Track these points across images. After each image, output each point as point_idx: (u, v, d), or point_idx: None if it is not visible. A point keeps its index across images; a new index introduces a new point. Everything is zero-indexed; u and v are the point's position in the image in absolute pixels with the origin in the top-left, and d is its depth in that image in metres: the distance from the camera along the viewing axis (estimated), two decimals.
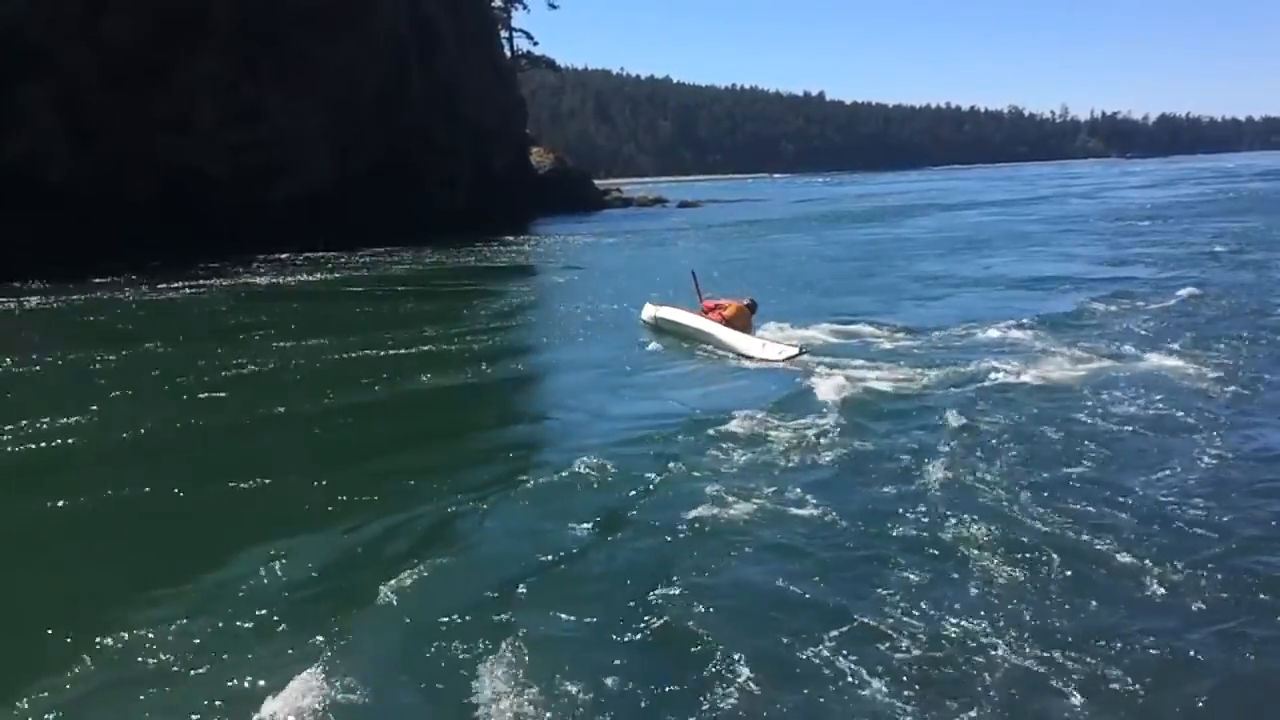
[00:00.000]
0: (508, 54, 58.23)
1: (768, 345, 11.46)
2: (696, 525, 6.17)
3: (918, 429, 8.04)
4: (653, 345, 12.92)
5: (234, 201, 30.79)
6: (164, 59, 29.64)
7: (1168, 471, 6.91)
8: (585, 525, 6.25)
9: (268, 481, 7.37)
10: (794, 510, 6.36)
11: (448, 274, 23.67)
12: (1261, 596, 5.03)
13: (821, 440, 7.80)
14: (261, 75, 32.13)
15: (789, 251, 27.22)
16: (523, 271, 25.33)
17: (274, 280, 22.37)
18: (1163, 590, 5.13)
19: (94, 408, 9.71)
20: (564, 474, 7.24)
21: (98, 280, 21.84)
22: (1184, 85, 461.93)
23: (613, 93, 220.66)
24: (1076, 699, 4.17)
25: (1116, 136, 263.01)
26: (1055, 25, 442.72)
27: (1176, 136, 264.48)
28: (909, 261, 22.63)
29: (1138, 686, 4.27)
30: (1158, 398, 8.76)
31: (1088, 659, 4.48)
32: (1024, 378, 9.58)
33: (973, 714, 4.09)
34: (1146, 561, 5.44)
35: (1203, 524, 5.96)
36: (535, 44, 66.73)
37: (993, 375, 9.65)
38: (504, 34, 58.61)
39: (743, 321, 12.41)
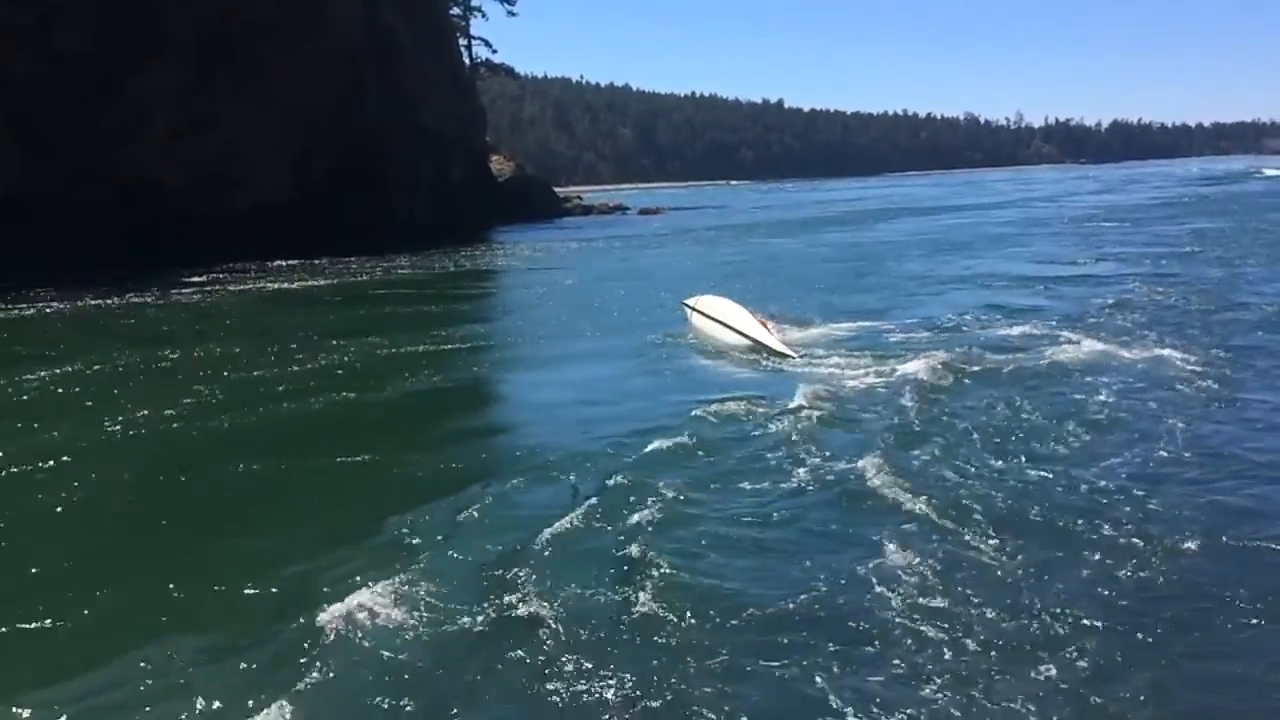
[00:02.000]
0: (467, 62, 58.10)
1: (789, 340, 11.96)
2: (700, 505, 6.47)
3: (925, 418, 8.34)
4: (657, 341, 13.23)
5: (188, 213, 30.43)
6: (116, 70, 29.26)
7: (1150, 454, 7.19)
8: (597, 511, 6.40)
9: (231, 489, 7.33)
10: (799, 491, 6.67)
11: (408, 283, 23.56)
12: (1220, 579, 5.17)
13: (833, 427, 8.20)
14: (216, 86, 31.82)
15: (781, 254, 27.74)
16: (485, 279, 25.27)
17: (227, 291, 22.10)
18: (1129, 571, 5.28)
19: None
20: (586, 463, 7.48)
21: (39, 291, 21.37)
22: (1135, 92, 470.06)
23: (572, 100, 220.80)
24: (1036, 675, 4.29)
25: (1070, 143, 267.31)
26: (1010, 33, 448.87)
27: (1128, 143, 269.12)
28: (897, 262, 23.20)
29: (1092, 665, 4.36)
30: (1145, 385, 9.17)
31: (1060, 633, 4.64)
32: (1026, 365, 10.14)
33: (935, 688, 4.20)
34: (1122, 539, 5.66)
35: (1163, 507, 6.17)
36: (494, 52, 66.62)
37: (998, 365, 10.19)
38: (463, 42, 58.45)
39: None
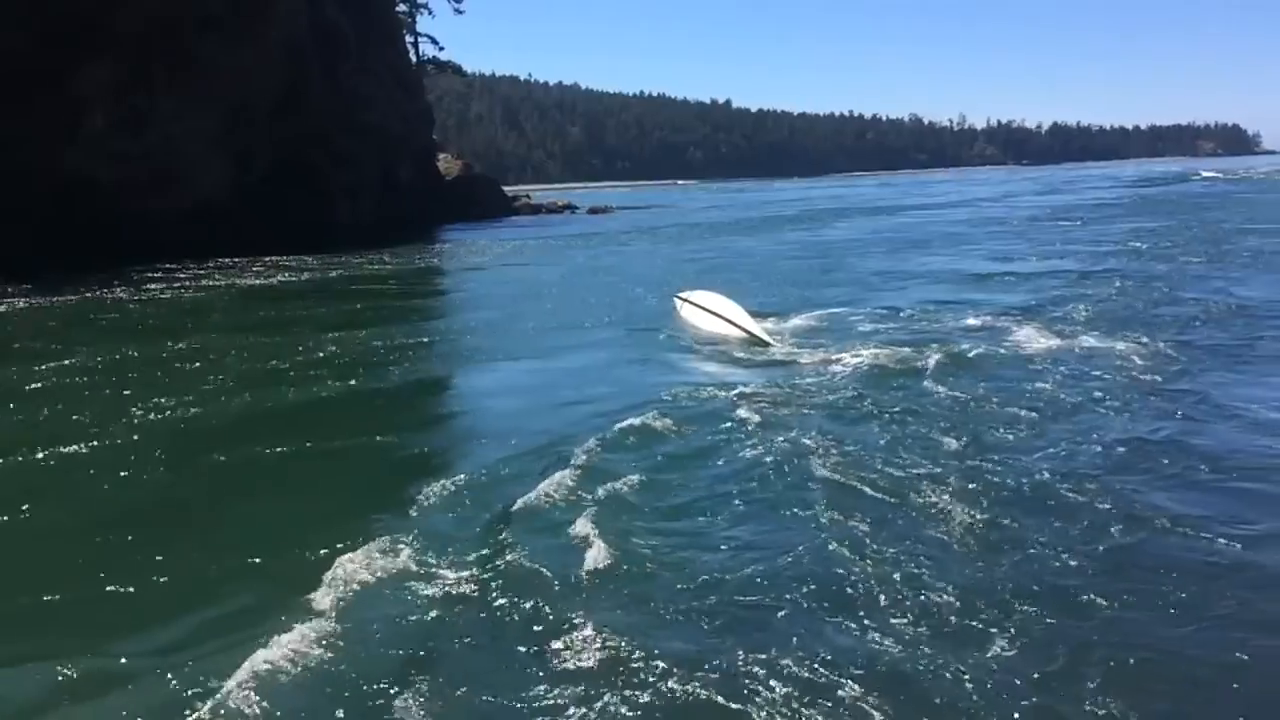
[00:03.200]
0: (413, 60, 57.39)
1: (769, 330, 12.55)
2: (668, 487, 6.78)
3: (898, 400, 8.76)
4: (650, 331, 13.72)
5: (125, 210, 29.63)
6: (53, 66, 28.40)
7: (1094, 439, 7.45)
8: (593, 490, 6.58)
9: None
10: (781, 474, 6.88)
11: (349, 283, 23.11)
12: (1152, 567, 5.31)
13: (816, 410, 8.56)
14: (154, 82, 31.01)
15: (748, 252, 28.17)
16: (430, 279, 24.86)
17: (159, 290, 21.48)
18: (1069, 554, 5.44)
19: None
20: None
21: None
22: (1074, 95, 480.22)
23: (521, 99, 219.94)
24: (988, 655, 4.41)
25: (1012, 145, 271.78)
26: (954, 36, 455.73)
27: (1068, 144, 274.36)
28: (860, 259, 23.79)
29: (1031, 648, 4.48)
30: (1093, 374, 9.57)
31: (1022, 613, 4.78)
32: (983, 354, 10.62)
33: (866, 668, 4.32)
34: (1063, 520, 5.90)
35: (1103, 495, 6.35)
36: (441, 49, 65.63)
37: (958, 354, 10.64)
38: (409, 39, 57.78)
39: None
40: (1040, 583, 5.06)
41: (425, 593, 5.16)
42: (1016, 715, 3.95)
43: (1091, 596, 4.90)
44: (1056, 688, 4.12)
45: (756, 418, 8.24)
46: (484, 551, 5.67)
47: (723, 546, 5.69)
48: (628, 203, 72.83)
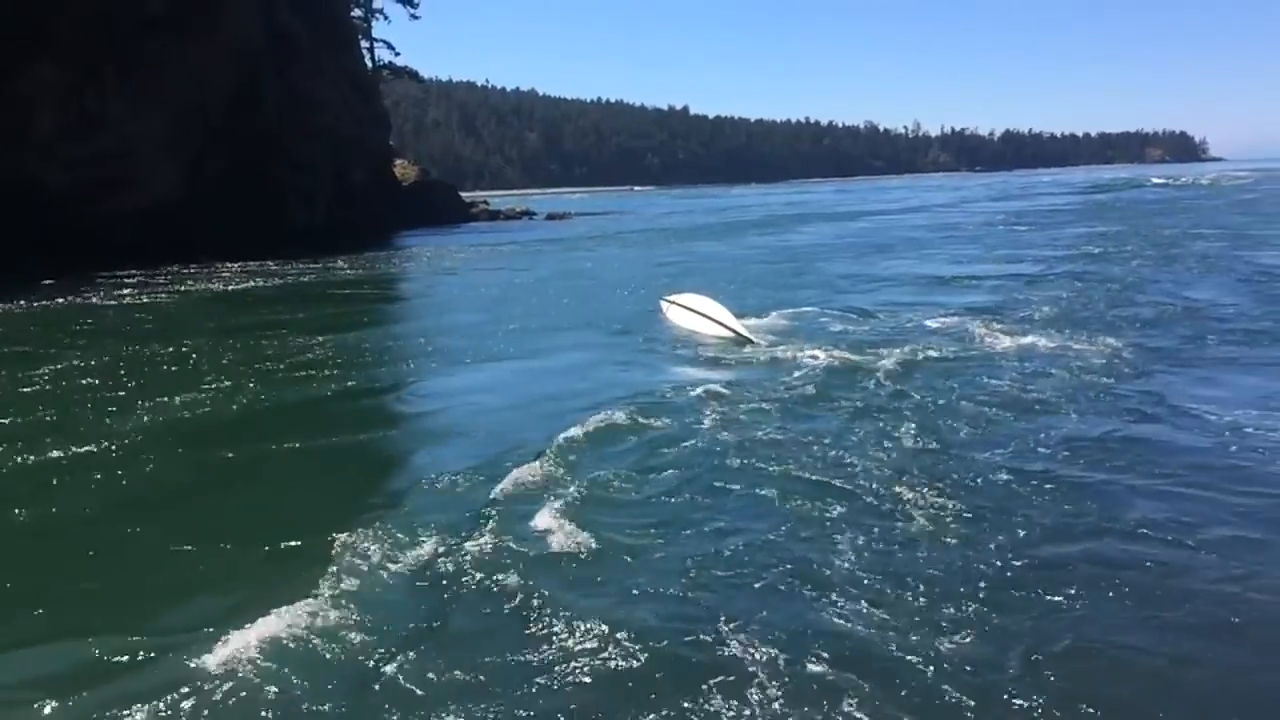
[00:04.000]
0: (369, 64, 56.89)
1: (751, 329, 13.08)
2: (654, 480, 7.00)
3: (868, 396, 9.18)
4: (636, 332, 14.05)
5: (75, 215, 28.98)
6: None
7: (1051, 435, 7.73)
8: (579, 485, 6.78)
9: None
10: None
11: (317, 287, 22.83)
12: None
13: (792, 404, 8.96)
14: (104, 84, 30.44)
15: (717, 256, 28.58)
16: (400, 284, 24.59)
17: (109, 297, 21.05)
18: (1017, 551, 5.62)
19: None
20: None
21: None
22: (1026, 103, 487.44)
23: (478, 105, 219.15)
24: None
25: (965, 152, 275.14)
26: (908, 44, 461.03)
27: (1020, 151, 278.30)
28: (828, 263, 24.21)
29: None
30: (1055, 372, 9.94)
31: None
32: (948, 353, 11.07)
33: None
34: (1022, 513, 6.12)
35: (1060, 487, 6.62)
36: (397, 54, 65.03)
37: (925, 352, 11.08)
38: (364, 44, 57.21)
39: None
40: (988, 573, 5.24)
41: (410, 577, 5.37)
42: (965, 696, 4.08)
43: (1036, 588, 5.05)
44: (993, 672, 4.27)
45: (736, 410, 8.64)
46: (469, 537, 5.85)
47: (705, 529, 6.01)
48: (586, 209, 72.66)
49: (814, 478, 6.77)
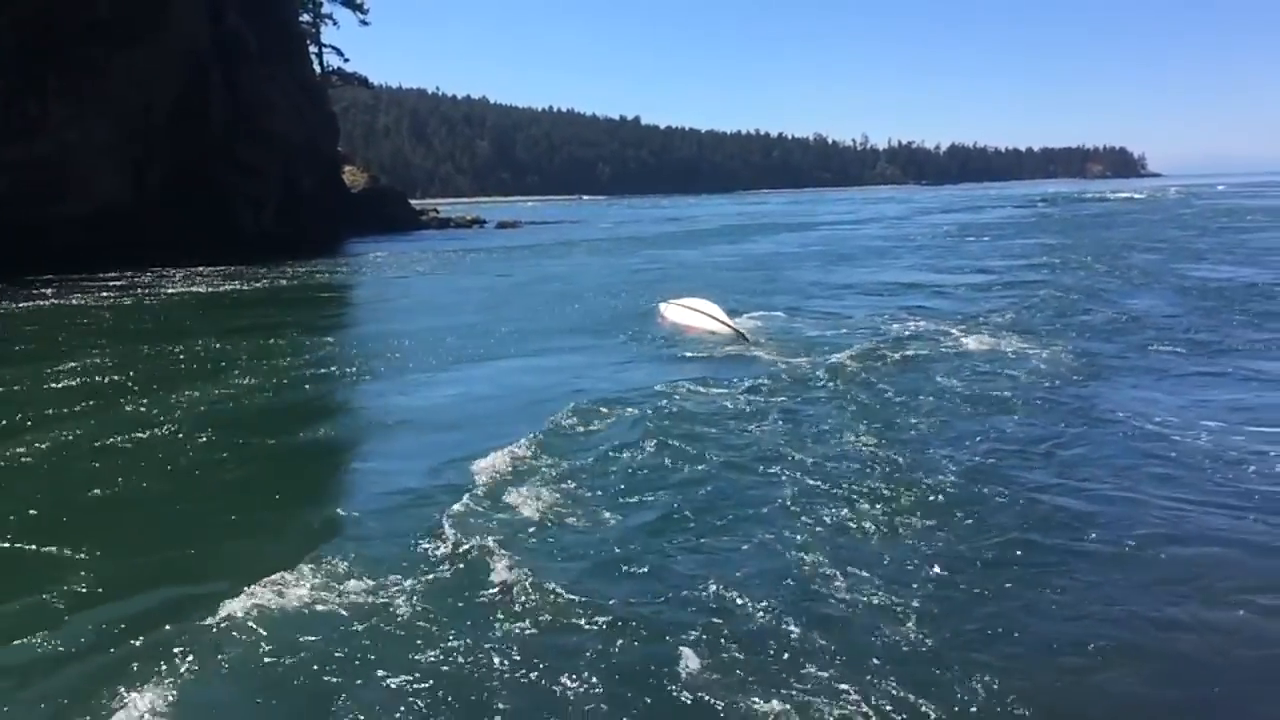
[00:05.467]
0: (318, 70, 56.35)
1: (734, 330, 13.81)
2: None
3: (837, 391, 9.86)
4: (636, 332, 14.63)
5: (16, 221, 28.30)
6: None
7: (1006, 431, 8.29)
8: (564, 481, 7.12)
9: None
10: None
11: (270, 293, 22.52)
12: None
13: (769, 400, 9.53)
14: (46, 89, 29.85)
15: (687, 263, 29.24)
16: (337, 294, 24.31)
17: (37, 299, 20.59)
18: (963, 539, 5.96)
19: None
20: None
21: None
22: (971, 117, 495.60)
23: (429, 112, 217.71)
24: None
25: (912, 164, 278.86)
26: (857, 59, 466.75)
27: (965, 165, 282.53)
28: (794, 271, 25.12)
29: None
30: (1015, 374, 10.55)
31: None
32: (913, 353, 11.80)
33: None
34: (979, 506, 6.53)
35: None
36: (346, 61, 64.54)
37: (893, 354, 11.80)
38: (314, 50, 56.65)
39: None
40: (932, 560, 5.58)
41: (377, 569, 5.52)
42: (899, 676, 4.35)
43: (973, 578, 5.37)
44: (930, 658, 4.51)
45: (738, 403, 9.34)
46: (450, 523, 6.18)
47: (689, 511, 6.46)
48: (538, 218, 72.49)
49: (795, 471, 7.15)
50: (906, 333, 13.57)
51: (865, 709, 4.08)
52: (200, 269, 27.75)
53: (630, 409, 9.00)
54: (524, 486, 6.83)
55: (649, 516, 6.37)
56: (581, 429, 8.49)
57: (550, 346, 13.79)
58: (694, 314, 14.79)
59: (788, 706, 4.10)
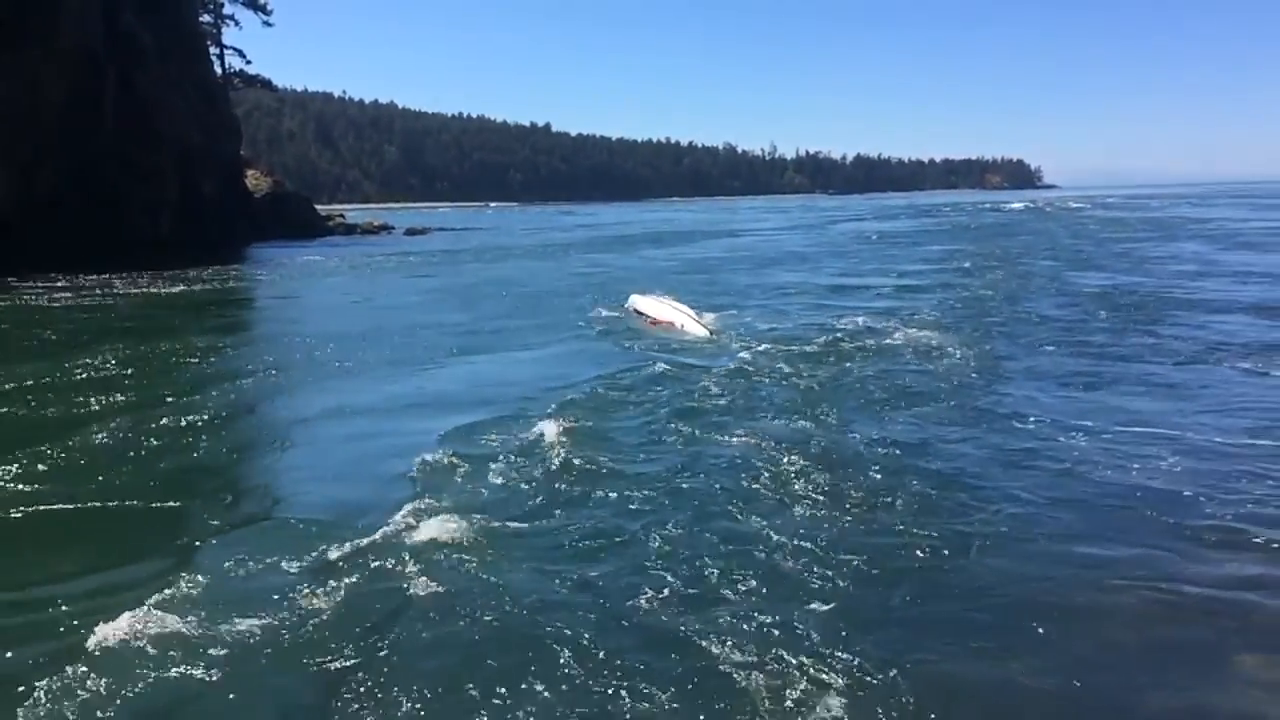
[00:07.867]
0: (219, 72, 54.85)
1: (700, 326, 15.34)
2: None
3: (785, 377, 11.27)
4: (606, 329, 15.90)
5: None
6: None
7: (930, 417, 9.39)
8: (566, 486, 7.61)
9: None
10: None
11: (142, 304, 21.75)
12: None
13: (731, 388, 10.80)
14: None
15: (627, 267, 30.26)
16: (232, 303, 23.62)
17: None
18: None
19: None
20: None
21: None
22: (875, 126, 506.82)
23: (335, 116, 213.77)
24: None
25: (820, 174, 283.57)
26: (766, 68, 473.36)
27: (870, 174, 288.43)
28: (732, 275, 26.64)
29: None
30: (932, 366, 11.91)
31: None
32: (852, 346, 13.39)
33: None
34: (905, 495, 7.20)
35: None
36: (249, 63, 62.78)
37: (833, 347, 13.34)
38: (215, 51, 55.11)
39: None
40: (851, 544, 6.17)
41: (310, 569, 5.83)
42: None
43: (885, 563, 5.91)
44: (838, 639, 4.93)
45: (699, 388, 10.68)
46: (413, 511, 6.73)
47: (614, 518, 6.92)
48: (447, 224, 71.70)
49: (745, 453, 8.08)
50: (848, 327, 15.18)
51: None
52: (86, 277, 26.58)
53: (610, 399, 10.26)
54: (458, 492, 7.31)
55: (612, 508, 6.97)
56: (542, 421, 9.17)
57: (532, 342, 15.04)
58: (661, 308, 16.48)
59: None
